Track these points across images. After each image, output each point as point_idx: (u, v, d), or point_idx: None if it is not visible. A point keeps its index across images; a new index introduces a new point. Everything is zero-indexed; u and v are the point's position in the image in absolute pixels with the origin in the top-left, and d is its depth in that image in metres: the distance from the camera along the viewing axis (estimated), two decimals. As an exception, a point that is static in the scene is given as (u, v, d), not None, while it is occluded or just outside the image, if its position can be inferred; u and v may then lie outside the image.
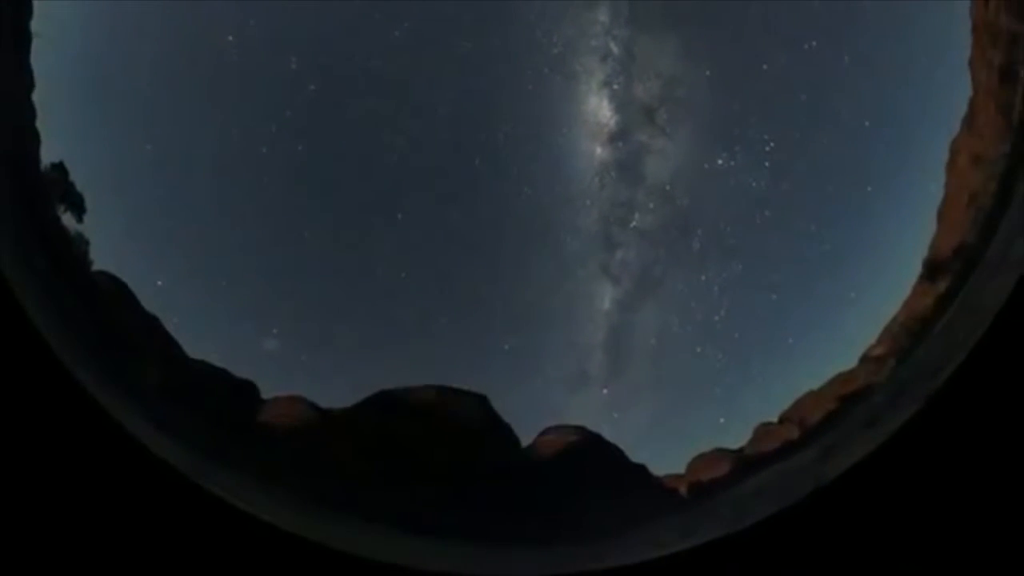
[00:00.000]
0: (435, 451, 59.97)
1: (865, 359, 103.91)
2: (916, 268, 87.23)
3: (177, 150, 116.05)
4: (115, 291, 50.52)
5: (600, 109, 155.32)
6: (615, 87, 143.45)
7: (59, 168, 44.68)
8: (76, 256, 43.29)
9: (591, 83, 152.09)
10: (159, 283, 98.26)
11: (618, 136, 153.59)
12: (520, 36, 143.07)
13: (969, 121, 73.94)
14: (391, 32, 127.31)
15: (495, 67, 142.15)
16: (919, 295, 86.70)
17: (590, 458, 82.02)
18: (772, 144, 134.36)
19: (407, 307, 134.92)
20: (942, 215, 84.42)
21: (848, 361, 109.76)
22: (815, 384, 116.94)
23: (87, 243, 46.51)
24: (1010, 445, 7.82)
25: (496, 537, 50.39)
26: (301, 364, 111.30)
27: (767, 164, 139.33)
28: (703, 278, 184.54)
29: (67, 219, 44.22)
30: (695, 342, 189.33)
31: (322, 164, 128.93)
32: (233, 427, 47.76)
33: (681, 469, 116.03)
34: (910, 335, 76.86)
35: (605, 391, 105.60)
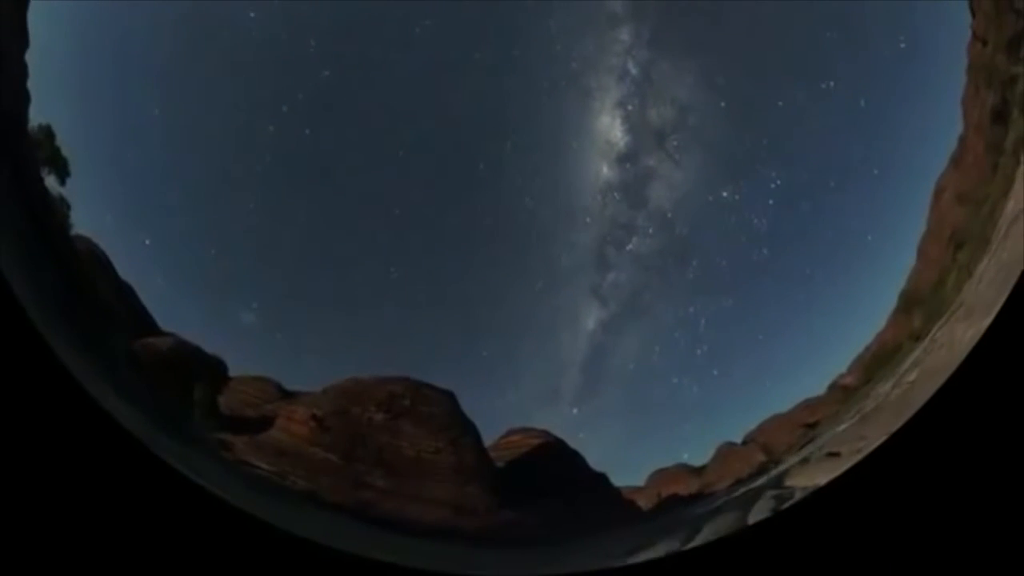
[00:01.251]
0: (396, 442, 59.65)
1: (833, 387, 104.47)
2: (892, 300, 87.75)
3: (185, 119, 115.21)
4: (92, 255, 50.06)
5: (612, 129, 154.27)
6: (629, 108, 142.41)
7: (47, 130, 44.28)
8: (55, 218, 42.81)
9: (605, 101, 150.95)
10: (147, 242, 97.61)
11: (626, 157, 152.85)
12: (540, 47, 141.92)
13: (957, 159, 74.39)
14: (412, 28, 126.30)
15: (511, 75, 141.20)
16: (893, 327, 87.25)
17: (551, 462, 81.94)
18: (779, 182, 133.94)
19: (391, 301, 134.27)
20: (922, 250, 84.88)
21: (817, 388, 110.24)
22: (781, 408, 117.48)
23: (68, 206, 45.94)
24: (975, 482, 7.82)
25: (448, 533, 50.31)
26: (275, 342, 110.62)
27: (771, 202, 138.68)
28: (691, 310, 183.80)
29: (51, 181, 43.80)
30: (673, 373, 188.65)
31: (326, 150, 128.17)
32: (196, 402, 47.38)
33: (641, 482, 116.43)
34: (881, 367, 77.43)
35: (575, 410, 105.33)
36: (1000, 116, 53.04)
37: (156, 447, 26.02)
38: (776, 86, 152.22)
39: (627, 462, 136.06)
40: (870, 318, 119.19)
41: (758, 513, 27.52)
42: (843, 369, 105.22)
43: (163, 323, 59.06)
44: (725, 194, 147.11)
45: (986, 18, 54.92)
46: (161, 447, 27.40)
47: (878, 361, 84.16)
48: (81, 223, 51.63)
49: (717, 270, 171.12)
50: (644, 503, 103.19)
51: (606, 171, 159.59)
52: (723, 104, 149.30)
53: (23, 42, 36.94)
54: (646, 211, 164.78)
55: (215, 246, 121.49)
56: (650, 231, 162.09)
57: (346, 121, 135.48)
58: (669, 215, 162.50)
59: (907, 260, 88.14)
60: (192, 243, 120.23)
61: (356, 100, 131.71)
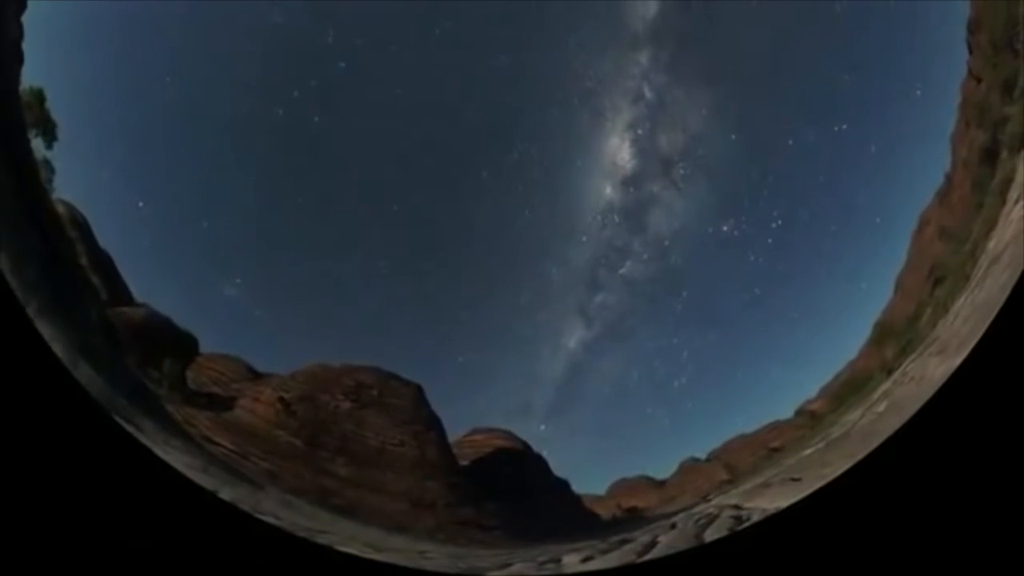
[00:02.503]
0: (361, 432, 59.53)
1: (801, 412, 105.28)
2: (866, 330, 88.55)
3: (197, 93, 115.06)
4: (73, 220, 49.77)
5: (619, 150, 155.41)
6: (639, 132, 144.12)
7: (38, 94, 43.97)
8: (39, 181, 42.48)
9: (616, 123, 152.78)
10: (140, 204, 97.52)
11: (631, 181, 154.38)
12: (558, 61, 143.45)
13: (943, 194, 74.88)
14: (433, 29, 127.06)
15: (526, 86, 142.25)
16: (865, 357, 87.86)
17: (513, 464, 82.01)
18: (780, 222, 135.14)
19: (376, 293, 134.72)
20: (900, 282, 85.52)
21: (784, 412, 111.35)
22: (748, 428, 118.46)
23: (53, 170, 45.59)
24: (937, 517, 7.82)
25: (404, 526, 50.22)
26: (254, 320, 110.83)
27: (770, 241, 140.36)
28: (675, 341, 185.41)
29: (37, 144, 43.46)
30: (648, 402, 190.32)
31: (332, 139, 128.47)
32: (164, 375, 47.13)
33: (602, 491, 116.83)
34: (851, 396, 77.88)
35: (542, 427, 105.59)
36: (989, 155, 53.25)
37: (119, 415, 25.94)
38: (789, 123, 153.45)
39: (589, 470, 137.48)
40: (843, 347, 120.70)
41: (715, 531, 27.42)
42: (812, 395, 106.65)
43: (144, 291, 58.98)
44: (725, 228, 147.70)
45: (983, 56, 55.23)
46: (124, 415, 27.30)
47: (848, 389, 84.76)
48: (72, 188, 51.53)
49: (707, 303, 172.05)
50: (603, 512, 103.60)
51: (609, 192, 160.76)
52: (734, 137, 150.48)
53: (21, 3, 36.54)
54: (644, 236, 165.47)
55: (208, 218, 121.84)
56: (645, 257, 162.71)
57: (356, 113, 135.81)
58: (666, 243, 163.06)
59: (885, 291, 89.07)
60: (185, 213, 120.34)
61: (368, 93, 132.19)
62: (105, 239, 57.02)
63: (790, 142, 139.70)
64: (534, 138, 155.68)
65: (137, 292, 58.51)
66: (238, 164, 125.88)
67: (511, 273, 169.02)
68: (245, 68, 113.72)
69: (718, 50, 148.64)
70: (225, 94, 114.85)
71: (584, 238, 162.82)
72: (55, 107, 44.55)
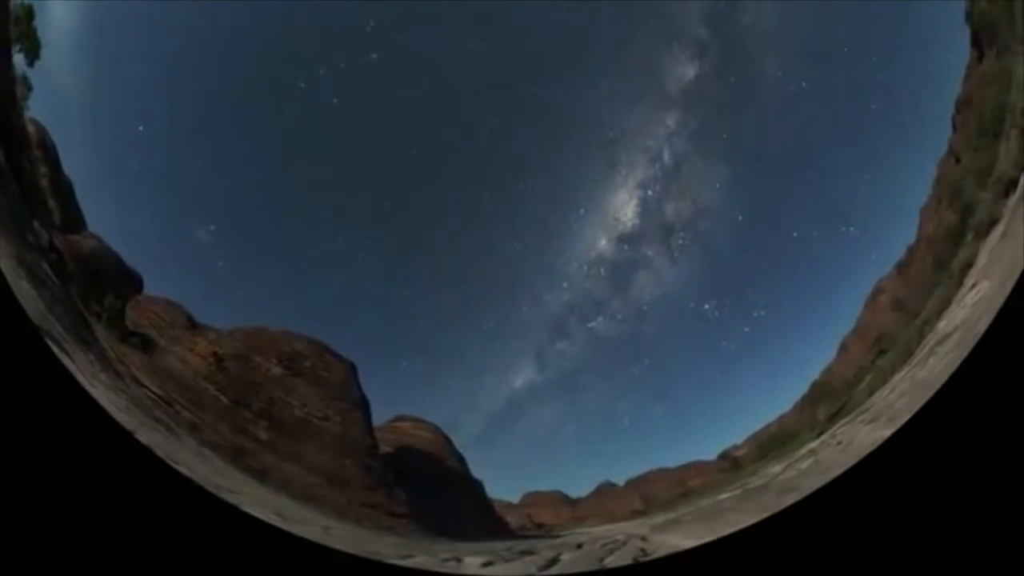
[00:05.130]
0: (288, 400, 59.74)
1: (724, 456, 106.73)
2: (803, 387, 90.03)
3: (220, 45, 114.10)
4: (40, 142, 49.71)
5: (625, 207, 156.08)
6: (649, 192, 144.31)
7: (28, 9, 44.10)
8: (12, 95, 42.52)
9: (629, 179, 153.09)
10: (140, 128, 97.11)
11: (627, 239, 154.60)
12: (586, 104, 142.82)
13: (903, 266, 76.14)
14: (470, 43, 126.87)
15: (549, 120, 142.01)
16: (797, 413, 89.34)
17: (433, 456, 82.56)
18: (763, 312, 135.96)
19: (343, 280, 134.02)
20: (845, 345, 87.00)
21: (707, 453, 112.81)
22: (669, 463, 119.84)
23: (30, 87, 45.67)
24: None
25: (315, 500, 50.55)
26: (214, 269, 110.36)
27: (747, 330, 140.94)
28: (623, 404, 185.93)
29: (19, 60, 43.58)
30: (576, 459, 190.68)
31: (346, 124, 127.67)
32: (103, 309, 47.09)
33: (515, 499, 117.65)
34: (776, 448, 79.14)
35: (463, 452, 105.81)
36: (955, 236, 53.91)
37: (52, 339, 26.20)
38: (799, 215, 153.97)
39: (506, 477, 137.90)
40: (777, 399, 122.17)
41: (618, 559, 27.84)
42: (738, 441, 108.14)
43: (112, 220, 58.89)
44: (707, 306, 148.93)
45: (967, 137, 56.28)
46: (57, 341, 27.55)
47: (775, 442, 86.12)
48: (46, 111, 51.43)
49: (664, 377, 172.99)
50: (513, 520, 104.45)
51: (603, 244, 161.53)
52: (740, 218, 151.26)
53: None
54: (624, 296, 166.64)
55: (202, 161, 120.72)
56: (619, 317, 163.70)
57: (375, 105, 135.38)
58: (644, 308, 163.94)
59: (828, 352, 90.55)
60: (180, 151, 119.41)
61: (393, 90, 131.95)
62: (75, 165, 57.09)
63: (795, 234, 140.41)
64: (543, 174, 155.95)
65: (104, 221, 58.48)
66: (247, 122, 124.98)
67: (483, 298, 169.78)
68: (281, 32, 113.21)
69: (746, 128, 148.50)
70: (253, 53, 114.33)
71: (565, 284, 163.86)
72: (58, 27, 44.79)
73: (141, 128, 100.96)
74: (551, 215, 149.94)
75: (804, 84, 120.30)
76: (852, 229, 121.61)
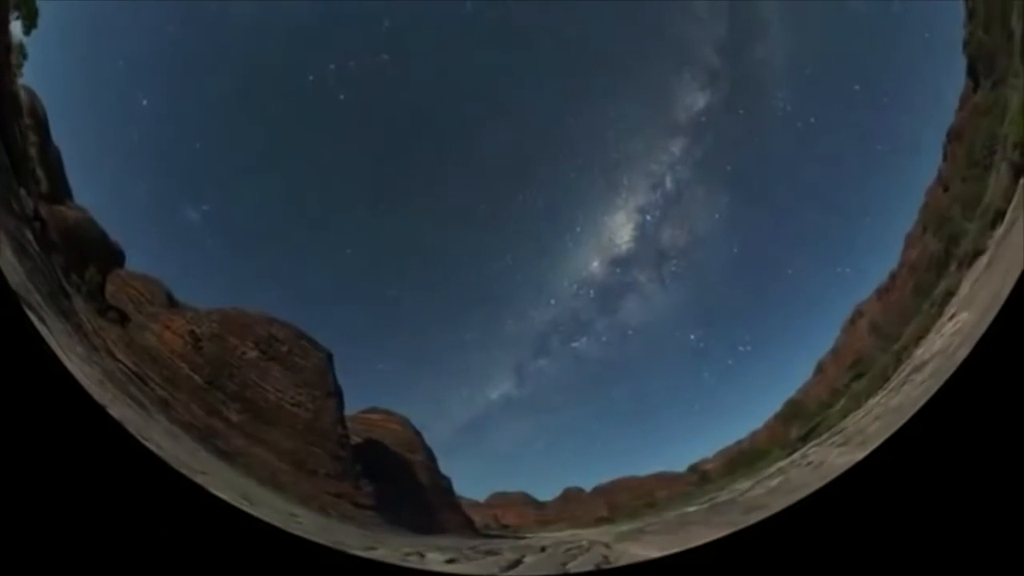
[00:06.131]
0: (262, 384, 59.71)
1: (693, 469, 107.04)
2: (777, 405, 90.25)
3: (231, 38, 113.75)
4: (32, 110, 49.59)
5: (621, 230, 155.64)
6: (647, 217, 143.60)
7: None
8: (8, 61, 42.45)
9: (629, 202, 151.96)
10: (144, 102, 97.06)
11: (621, 262, 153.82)
12: (594, 124, 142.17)
13: (884, 291, 76.33)
14: (484, 54, 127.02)
15: (554, 137, 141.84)
16: (769, 431, 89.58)
17: (403, 449, 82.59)
18: (749, 348, 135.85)
19: (330, 273, 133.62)
20: (821, 366, 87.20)
21: (677, 465, 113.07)
22: (637, 472, 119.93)
23: (25, 55, 45.61)
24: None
25: (281, 485, 50.61)
26: (202, 248, 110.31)
27: (730, 362, 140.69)
28: (595, 428, 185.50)
29: (16, 29, 43.58)
30: (544, 463, 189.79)
31: (350, 120, 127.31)
32: (84, 280, 47.07)
33: (481, 499, 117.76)
34: (746, 465, 79.50)
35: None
36: (938, 264, 54.05)
37: (31, 308, 26.31)
38: (796, 254, 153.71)
39: (474, 476, 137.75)
40: (750, 415, 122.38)
41: (581, 565, 27.95)
42: (708, 455, 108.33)
43: (104, 192, 58.73)
44: (693, 337, 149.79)
45: (956, 167, 57.01)
46: (36, 311, 27.65)
47: (745, 458, 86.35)
48: (41, 80, 51.32)
49: (641, 403, 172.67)
50: (478, 519, 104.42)
51: (595, 266, 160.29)
52: (736, 250, 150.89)
53: None
54: (610, 319, 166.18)
55: (201, 139, 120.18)
56: (603, 339, 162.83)
57: (382, 105, 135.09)
58: (630, 332, 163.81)
59: (804, 372, 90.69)
60: (179, 131, 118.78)
61: (402, 92, 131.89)
62: (67, 137, 56.89)
63: (789, 271, 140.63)
64: (543, 189, 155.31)
65: (94, 193, 58.49)
66: (253, 109, 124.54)
67: (467, 307, 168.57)
68: (297, 25, 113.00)
69: (751, 162, 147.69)
70: (268, 42, 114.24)
71: (552, 301, 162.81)
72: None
73: (145, 103, 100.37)
74: (546, 231, 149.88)
75: (812, 120, 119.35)
76: (848, 270, 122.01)
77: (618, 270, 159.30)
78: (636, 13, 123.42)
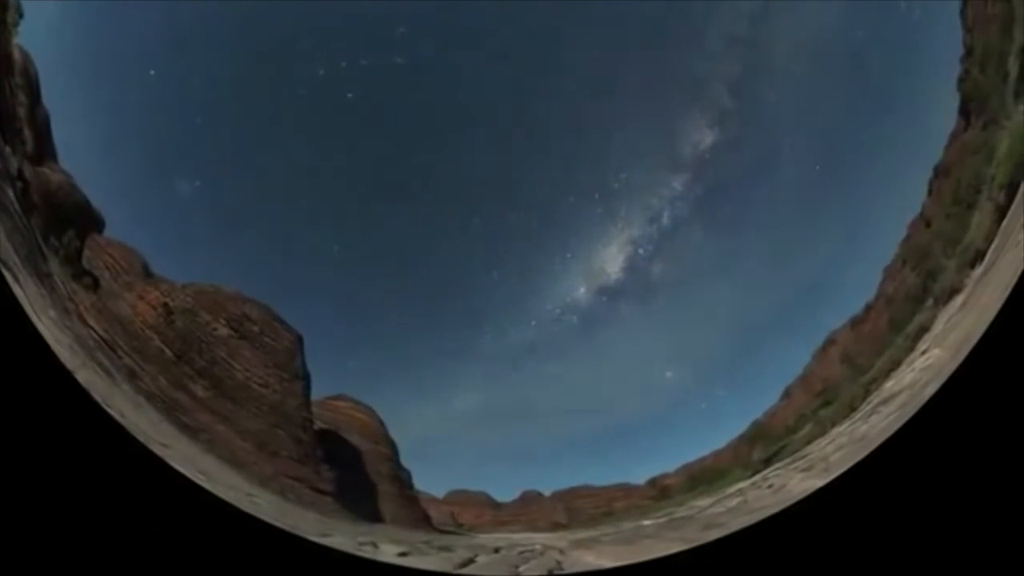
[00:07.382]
0: (231, 362, 59.77)
1: (653, 482, 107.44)
2: (742, 426, 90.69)
3: (242, 21, 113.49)
4: (24, 70, 49.47)
5: (613, 260, 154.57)
6: (640, 251, 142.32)
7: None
8: (3, 18, 42.42)
9: (624, 233, 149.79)
10: (152, 72, 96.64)
11: (607, 292, 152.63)
12: (597, 150, 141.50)
13: (857, 321, 76.86)
14: (497, 69, 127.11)
15: (556, 158, 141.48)
16: (732, 451, 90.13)
17: (366, 439, 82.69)
18: (724, 394, 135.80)
19: (312, 266, 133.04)
20: (789, 391, 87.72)
21: (636, 477, 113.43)
22: (597, 481, 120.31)
23: (21, 14, 45.52)
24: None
25: (242, 464, 50.68)
26: (187, 222, 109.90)
27: (704, 406, 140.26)
28: (558, 436, 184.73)
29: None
30: (499, 476, 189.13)
31: (354, 119, 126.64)
32: (61, 244, 47.01)
33: (440, 495, 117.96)
34: (707, 482, 79.95)
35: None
36: (914, 299, 54.43)
37: (7, 268, 26.35)
38: (783, 311, 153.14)
39: (434, 473, 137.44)
40: (714, 433, 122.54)
41: (533, 569, 27.91)
42: (669, 470, 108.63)
43: (91, 161, 58.46)
44: (669, 374, 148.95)
45: (941, 203, 57.92)
46: (12, 271, 27.68)
47: (707, 475, 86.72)
48: (36, 41, 51.15)
49: (606, 436, 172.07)
50: (435, 515, 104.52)
51: (581, 292, 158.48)
52: (725, 293, 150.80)
53: None
54: (588, 347, 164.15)
55: (202, 115, 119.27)
56: (579, 367, 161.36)
57: (388, 106, 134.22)
58: (606, 363, 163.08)
59: (772, 395, 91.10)
60: (183, 101, 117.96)
61: (409, 94, 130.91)
62: (60, 99, 56.59)
63: (778, 316, 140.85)
64: (538, 209, 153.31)
65: (81, 158, 58.01)
66: (261, 95, 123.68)
67: (448, 315, 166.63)
68: (314, 19, 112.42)
69: (751, 204, 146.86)
70: (282, 32, 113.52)
71: (533, 322, 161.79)
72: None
73: (153, 73, 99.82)
74: (537, 252, 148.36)
75: (818, 168, 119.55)
76: (822, 298, 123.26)
77: (604, 299, 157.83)
78: (653, 46, 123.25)
